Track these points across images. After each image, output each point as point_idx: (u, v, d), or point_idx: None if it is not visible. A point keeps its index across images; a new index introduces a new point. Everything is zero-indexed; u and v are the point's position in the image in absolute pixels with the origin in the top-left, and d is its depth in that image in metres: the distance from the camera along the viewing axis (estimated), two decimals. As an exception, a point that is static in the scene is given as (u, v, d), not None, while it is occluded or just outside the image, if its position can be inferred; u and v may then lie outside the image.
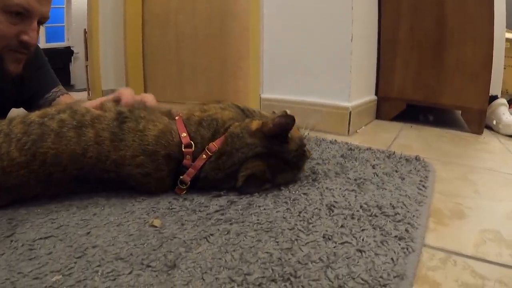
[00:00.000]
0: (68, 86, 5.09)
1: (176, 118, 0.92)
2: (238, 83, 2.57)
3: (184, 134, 0.87)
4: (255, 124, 0.90)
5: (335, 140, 1.42)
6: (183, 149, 0.86)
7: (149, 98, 1.02)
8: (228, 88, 2.61)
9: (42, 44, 5.22)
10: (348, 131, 1.65)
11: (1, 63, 0.99)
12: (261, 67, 1.93)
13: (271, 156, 0.89)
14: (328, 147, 1.33)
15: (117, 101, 0.97)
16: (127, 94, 0.99)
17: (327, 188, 0.93)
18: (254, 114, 0.98)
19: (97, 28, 2.75)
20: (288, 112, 1.00)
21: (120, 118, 0.86)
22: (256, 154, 0.88)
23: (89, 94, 3.05)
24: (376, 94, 2.04)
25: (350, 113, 1.64)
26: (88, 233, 0.72)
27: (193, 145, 0.87)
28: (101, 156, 0.82)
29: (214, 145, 0.88)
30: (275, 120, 0.87)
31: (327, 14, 1.67)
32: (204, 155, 0.87)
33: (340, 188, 0.93)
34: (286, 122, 0.87)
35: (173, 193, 0.90)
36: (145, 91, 2.89)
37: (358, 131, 1.74)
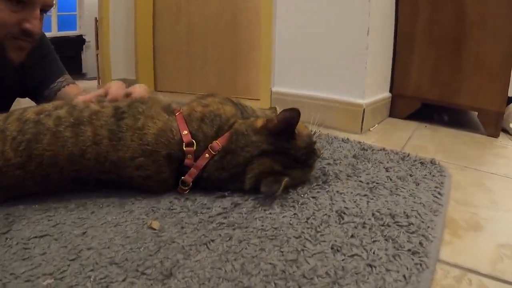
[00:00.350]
0: (80, 74, 5.10)
1: (176, 114, 0.87)
2: (249, 75, 2.53)
3: (185, 132, 0.83)
4: (259, 122, 0.85)
5: (347, 139, 1.37)
6: (184, 148, 0.81)
7: (138, 90, 0.96)
8: (238, 80, 2.58)
9: (54, 32, 5.24)
10: (361, 129, 1.60)
11: (2, 51, 0.96)
12: (273, 59, 1.88)
13: (278, 153, 0.84)
14: (340, 146, 1.28)
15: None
16: (114, 89, 0.94)
17: (337, 192, 0.88)
18: (247, 110, 0.94)
19: (108, 17, 2.72)
20: (278, 109, 0.96)
21: (117, 114, 0.82)
22: (262, 152, 0.83)
23: (99, 83, 3.04)
24: (391, 91, 1.98)
25: (364, 110, 1.59)
26: (84, 233, 0.69)
27: (195, 143, 0.82)
28: (100, 158, 0.79)
29: (218, 144, 0.83)
30: (279, 115, 0.83)
31: (343, 6, 1.60)
32: (207, 154, 0.83)
33: (351, 193, 0.88)
34: (291, 116, 0.81)
35: (175, 191, 0.86)
36: (155, 81, 2.87)
37: (371, 129, 1.68)
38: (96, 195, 0.84)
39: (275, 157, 0.84)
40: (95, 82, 3.37)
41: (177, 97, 2.51)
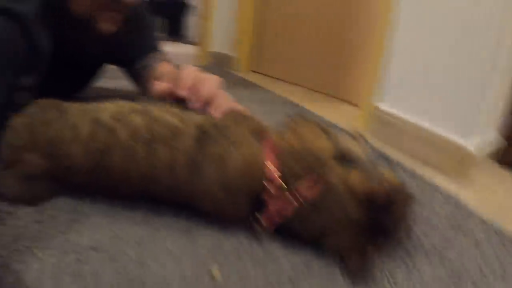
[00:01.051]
0: (179, 37, 5.17)
1: (265, 141, 0.76)
2: (351, 80, 2.31)
3: (273, 167, 0.71)
4: (358, 183, 0.71)
5: (445, 191, 1.17)
6: (268, 186, 0.70)
7: (208, 86, 0.86)
8: (340, 81, 2.38)
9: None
10: (462, 176, 1.39)
11: (94, 22, 0.95)
12: (380, 72, 1.71)
13: (368, 225, 0.69)
14: (431, 201, 1.06)
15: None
16: (186, 76, 0.86)
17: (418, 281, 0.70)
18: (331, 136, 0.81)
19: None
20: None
21: (201, 138, 0.72)
22: (353, 222, 0.69)
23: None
24: (504, 136, 1.71)
25: (470, 155, 1.38)
26: (140, 258, 0.64)
27: (283, 183, 0.70)
28: (173, 186, 0.72)
29: (309, 193, 0.70)
30: (389, 193, 0.67)
31: (475, 39, 1.38)
32: (294, 201, 0.70)
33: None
34: (402, 199, 0.68)
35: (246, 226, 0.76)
36: (251, 60, 2.82)
37: (474, 179, 1.46)
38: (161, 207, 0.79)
39: (365, 229, 0.69)
40: (191, 48, 3.41)
41: (270, 83, 2.42)
